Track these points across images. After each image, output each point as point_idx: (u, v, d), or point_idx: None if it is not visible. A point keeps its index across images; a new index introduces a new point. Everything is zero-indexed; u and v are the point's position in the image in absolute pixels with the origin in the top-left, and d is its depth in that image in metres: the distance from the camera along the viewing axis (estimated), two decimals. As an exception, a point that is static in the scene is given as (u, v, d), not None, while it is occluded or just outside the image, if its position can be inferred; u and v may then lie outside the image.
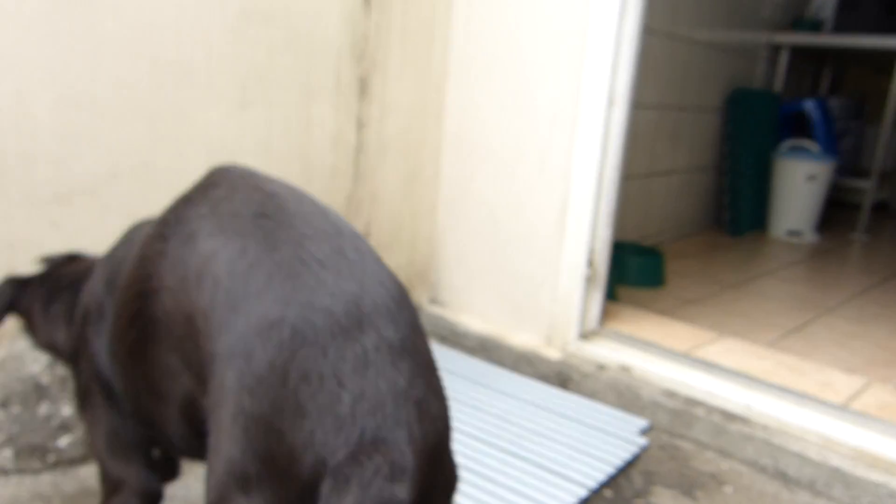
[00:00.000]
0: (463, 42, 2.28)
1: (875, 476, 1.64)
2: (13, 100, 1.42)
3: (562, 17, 2.06)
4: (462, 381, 2.08)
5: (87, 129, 1.53)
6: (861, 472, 1.65)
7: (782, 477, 1.75)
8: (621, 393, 2.01)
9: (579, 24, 2.02)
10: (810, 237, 4.25)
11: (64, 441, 1.52)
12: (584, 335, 2.19)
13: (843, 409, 1.86)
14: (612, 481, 1.68)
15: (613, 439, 1.83)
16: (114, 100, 1.56)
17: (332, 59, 1.97)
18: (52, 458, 1.51)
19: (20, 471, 1.49)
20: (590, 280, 2.14)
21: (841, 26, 4.59)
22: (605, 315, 2.28)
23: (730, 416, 1.86)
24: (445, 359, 2.22)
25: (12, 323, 1.50)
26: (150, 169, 1.64)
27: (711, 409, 1.89)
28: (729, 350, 2.22)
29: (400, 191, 2.27)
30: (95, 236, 1.58)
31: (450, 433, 0.79)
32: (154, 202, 1.65)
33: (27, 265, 1.49)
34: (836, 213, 4.87)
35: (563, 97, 2.07)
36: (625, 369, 2.05)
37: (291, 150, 1.93)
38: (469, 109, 2.29)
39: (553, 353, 2.16)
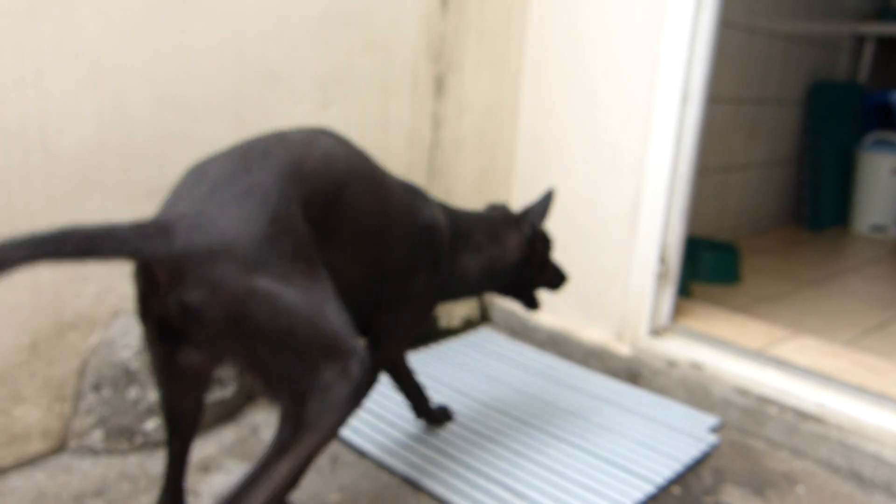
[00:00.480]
0: (538, 41, 2.31)
1: (954, 480, 1.61)
2: (113, 101, 1.52)
3: (636, 13, 2.06)
4: (532, 375, 2.11)
5: (179, 129, 1.62)
6: (939, 475, 1.63)
7: (857, 478, 1.74)
8: (692, 390, 2.01)
9: (654, 20, 2.03)
10: (895, 233, 4.12)
11: (150, 424, 1.61)
12: (656, 331, 2.20)
13: (921, 411, 1.83)
14: (680, 478, 1.70)
15: (683, 436, 1.84)
16: (204, 101, 1.65)
17: (410, 59, 2.03)
18: (139, 440, 1.61)
19: (109, 451, 1.60)
20: (661, 276, 2.14)
21: (931, 15, 4.42)
22: (678, 311, 2.28)
23: (803, 416, 1.85)
24: (516, 353, 2.26)
25: (106, 309, 1.61)
26: (236, 166, 1.73)
27: (784, 408, 1.87)
28: (803, 348, 2.19)
29: (474, 186, 2.32)
30: (186, 230, 1.68)
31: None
32: (240, 198, 1.74)
33: (125, 257, 1.59)
34: (922, 208, 4.69)
35: (636, 94, 2.08)
36: (696, 366, 2.05)
37: (368, 147, 1.96)
38: (543, 107, 2.32)
39: (623, 349, 2.17)
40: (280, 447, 1.03)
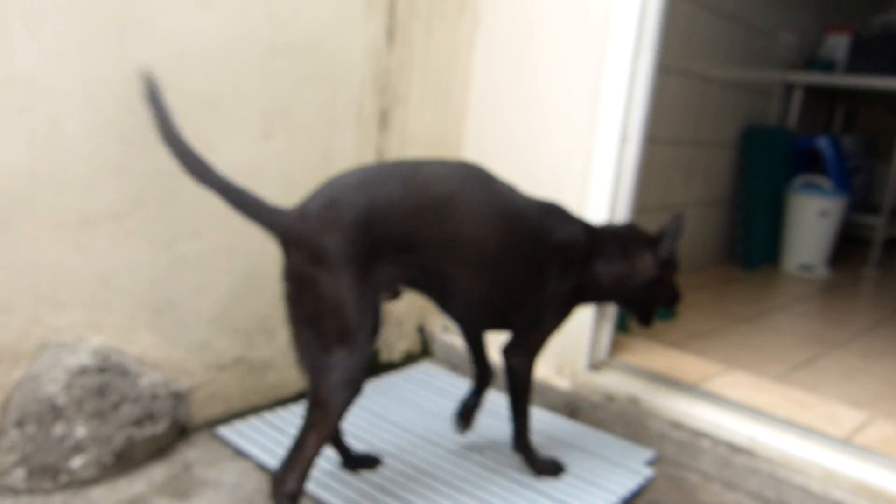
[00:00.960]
0: (482, 78, 2.35)
1: (878, 512, 1.66)
2: (48, 126, 1.49)
3: (578, 55, 2.12)
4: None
5: (116, 157, 1.59)
6: (864, 507, 1.68)
7: (786, 511, 1.77)
8: (629, 424, 2.04)
9: (595, 62, 2.08)
10: (822, 272, 4.26)
11: (77, 462, 1.55)
12: (594, 366, 2.22)
13: (845, 442, 1.88)
14: (617, 511, 1.71)
15: (620, 470, 1.86)
16: (143, 129, 1.62)
17: (355, 92, 2.04)
18: (64, 478, 1.54)
19: (31, 491, 1.52)
20: (600, 312, 2.18)
21: (853, 67, 4.64)
22: (616, 346, 2.32)
23: (735, 449, 1.88)
24: (457, 387, 2.26)
25: (32, 342, 1.56)
26: (174, 196, 1.70)
27: (717, 442, 1.91)
28: (736, 383, 2.24)
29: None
30: (118, 261, 1.64)
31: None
32: (177, 229, 1.72)
33: (49, 286, 1.55)
34: (847, 248, 4.87)
35: (578, 133, 2.13)
36: (633, 400, 2.07)
37: (311, 180, 1.96)
38: (487, 143, 2.35)
39: (563, 384, 2.19)
40: (306, 424, 1.34)
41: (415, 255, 1.41)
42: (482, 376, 1.84)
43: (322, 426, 1.34)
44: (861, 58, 4.59)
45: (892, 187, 4.44)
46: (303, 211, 1.35)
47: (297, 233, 1.33)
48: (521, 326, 1.66)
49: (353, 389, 1.34)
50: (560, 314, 1.69)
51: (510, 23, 2.26)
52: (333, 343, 1.32)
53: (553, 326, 1.69)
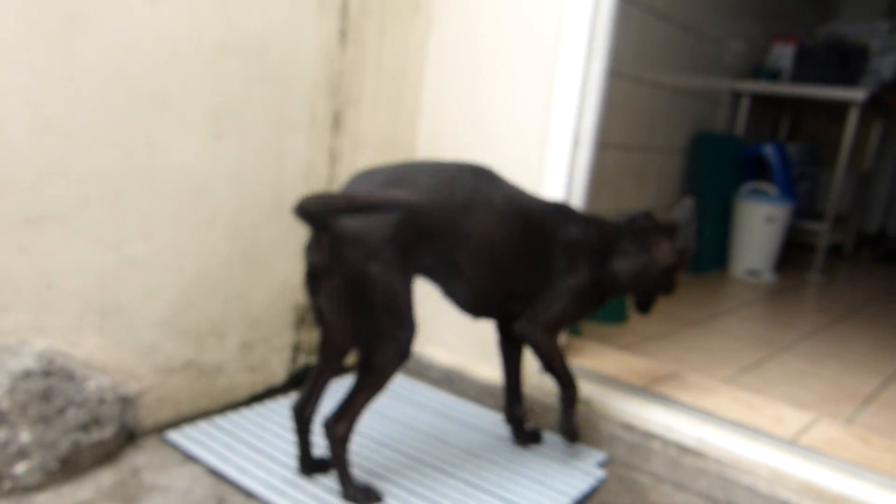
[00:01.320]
0: (436, 80, 2.35)
1: (822, 510, 1.70)
2: (-11, 125, 1.45)
3: (532, 59, 2.13)
4: (426, 412, 2.11)
5: (60, 157, 1.55)
6: (808, 505, 1.71)
7: (734, 510, 1.81)
8: (581, 426, 2.05)
9: (548, 66, 2.10)
10: (768, 277, 4.36)
11: (21, 468, 1.51)
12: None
13: (791, 443, 1.92)
14: (569, 512, 1.72)
15: (572, 471, 1.87)
16: (89, 128, 1.59)
17: (307, 94, 2.02)
18: (7, 485, 1.50)
19: (-26, 497, 1.48)
20: (552, 314, 2.19)
21: (798, 76, 4.77)
22: (568, 349, 2.34)
23: (685, 450, 1.91)
24: (410, 390, 2.25)
25: (-21, 345, 1.51)
26: (120, 197, 1.67)
27: (668, 443, 1.94)
28: (686, 385, 2.28)
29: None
30: (63, 261, 1.60)
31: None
32: (125, 229, 1.68)
33: (-4, 288, 1.50)
34: (792, 254, 4.99)
35: (532, 137, 2.14)
36: (585, 403, 2.09)
37: (263, 182, 1.96)
38: (441, 145, 2.35)
39: (515, 386, 2.20)
40: (358, 385, 1.55)
41: (434, 243, 1.54)
42: (514, 396, 1.97)
43: (372, 388, 1.55)
44: (806, 67, 4.72)
45: (834, 195, 4.56)
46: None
47: (350, 231, 1.43)
48: (527, 307, 1.76)
49: (403, 360, 1.54)
50: (577, 303, 1.78)
51: (463, 25, 2.27)
52: (385, 325, 1.49)
53: (570, 311, 1.78)
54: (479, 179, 1.61)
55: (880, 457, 1.92)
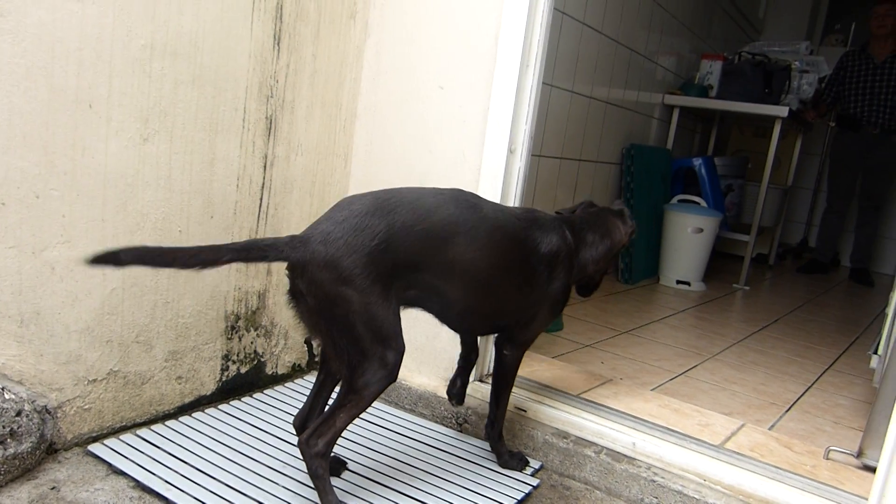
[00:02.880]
0: (372, 86, 2.33)
1: (749, 513, 1.73)
2: None
3: (468, 69, 2.14)
4: (360, 421, 2.08)
5: (-23, 156, 1.48)
6: (736, 509, 1.75)
7: (665, 515, 1.83)
8: (516, 434, 2.05)
9: (485, 76, 2.11)
10: (697, 286, 4.46)
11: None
12: (482, 378, 2.23)
13: (719, 448, 1.96)
14: (504, 520, 1.72)
15: (506, 479, 1.87)
16: (6, 126, 1.52)
17: (240, 97, 1.98)
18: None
19: None
20: (487, 323, 2.19)
21: (725, 92, 4.91)
22: (502, 357, 2.33)
23: (617, 456, 1.93)
24: (343, 399, 2.22)
25: None
26: (41, 199, 1.60)
27: (600, 450, 1.95)
28: (618, 393, 2.30)
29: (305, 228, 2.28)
30: (-19, 266, 1.52)
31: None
32: (44, 232, 1.62)
33: None
34: (720, 264, 5.13)
35: (467, 143, 2.14)
36: (520, 411, 2.09)
37: (193, 185, 1.91)
38: (377, 152, 2.34)
39: (450, 395, 2.19)
40: (339, 403, 1.52)
41: (418, 275, 1.56)
42: (470, 356, 1.98)
43: (355, 407, 1.53)
44: (732, 83, 4.86)
45: (759, 207, 4.70)
46: (325, 235, 1.45)
47: (322, 256, 1.44)
48: (514, 326, 1.81)
49: (388, 381, 1.53)
50: (554, 309, 1.85)
51: (400, 33, 2.26)
52: (369, 346, 1.49)
53: (546, 323, 1.86)
54: (462, 209, 1.61)
55: (802, 460, 1.98)
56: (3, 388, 1.57)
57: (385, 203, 1.52)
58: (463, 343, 1.96)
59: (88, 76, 1.63)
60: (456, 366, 1.98)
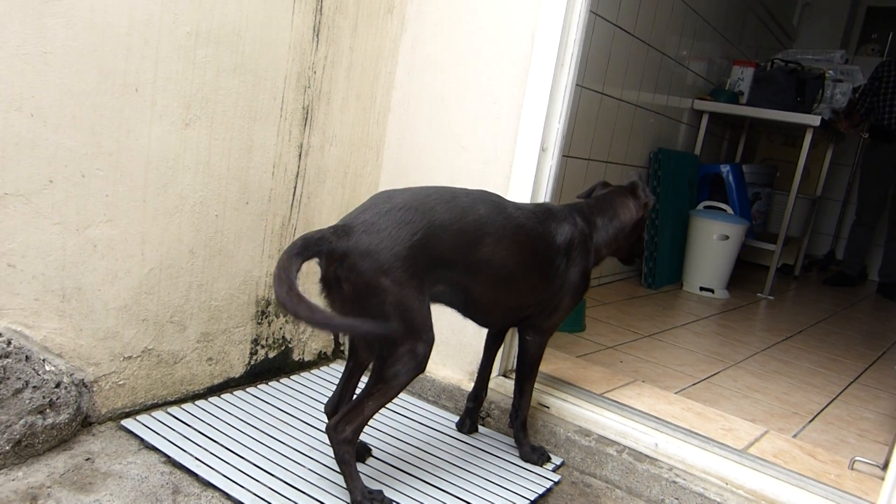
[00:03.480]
0: (406, 81, 2.36)
1: (769, 517, 1.74)
2: (-45, 98, 1.41)
3: (503, 66, 2.16)
4: (385, 411, 2.11)
5: (27, 134, 1.52)
6: (757, 512, 1.76)
7: (685, 515, 1.84)
8: (538, 430, 2.07)
9: (519, 74, 2.13)
10: (720, 294, 4.45)
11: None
12: (505, 373, 2.26)
13: (742, 453, 1.96)
14: (525, 513, 1.74)
15: (528, 474, 1.89)
16: (58, 108, 1.56)
17: (279, 87, 2.02)
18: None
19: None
20: (514, 318, 2.21)
21: (755, 99, 4.89)
22: (526, 354, 2.35)
23: (639, 456, 1.94)
24: (368, 388, 2.25)
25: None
26: (87, 178, 1.64)
27: (622, 449, 1.97)
28: (641, 394, 2.31)
29: (336, 217, 2.31)
30: (25, 241, 1.57)
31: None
32: (89, 212, 1.66)
33: (-47, 265, 1.47)
34: (744, 272, 5.11)
35: (499, 140, 2.17)
36: (543, 407, 2.11)
37: (231, 171, 1.95)
38: (408, 145, 2.36)
39: (474, 388, 2.21)
40: (368, 391, 1.55)
41: (449, 272, 1.60)
42: (480, 395, 2.07)
43: (383, 396, 1.56)
44: (764, 90, 4.84)
45: (787, 216, 4.68)
46: (368, 226, 1.49)
47: (364, 245, 1.47)
48: (537, 315, 1.87)
49: (417, 372, 1.56)
50: (575, 295, 1.88)
51: (436, 29, 2.28)
52: (401, 337, 1.51)
53: (568, 309, 1.90)
54: (490, 209, 1.66)
55: (826, 469, 1.98)
56: (44, 360, 1.61)
57: (425, 200, 1.56)
58: (478, 377, 2.06)
59: (136, 61, 1.67)
60: (475, 378, 2.07)
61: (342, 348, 2.49)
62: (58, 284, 1.64)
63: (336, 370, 2.37)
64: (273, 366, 2.25)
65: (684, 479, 1.86)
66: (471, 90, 2.22)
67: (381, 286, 1.48)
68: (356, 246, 1.47)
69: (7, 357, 1.53)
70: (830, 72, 5.10)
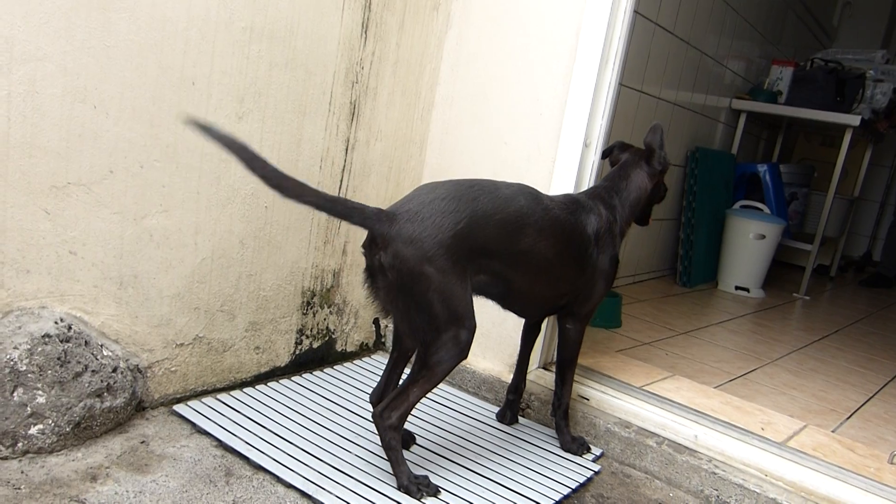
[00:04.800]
0: (451, 77, 2.39)
1: (810, 510, 1.75)
2: (25, 88, 1.47)
3: (547, 62, 2.18)
4: (426, 401, 2.14)
5: (90, 126, 1.58)
6: (797, 505, 1.77)
7: (725, 508, 1.86)
8: (578, 421, 2.10)
9: (565, 69, 2.15)
10: (756, 293, 4.43)
11: (35, 429, 1.53)
12: (545, 366, 2.28)
13: (781, 446, 1.97)
14: (566, 501, 1.76)
15: (569, 463, 1.92)
16: (119, 100, 1.62)
17: (328, 82, 2.06)
18: (21, 445, 1.53)
19: (-13, 455, 1.50)
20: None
21: (794, 98, 4.86)
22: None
23: (679, 448, 1.96)
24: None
25: None
26: (145, 169, 1.70)
27: (662, 440, 1.99)
28: (680, 388, 2.33)
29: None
30: (86, 229, 1.63)
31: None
32: (147, 202, 1.71)
33: (16, 250, 1.53)
34: (780, 272, 5.08)
35: (542, 136, 2.19)
36: (582, 399, 2.14)
37: (280, 164, 1.99)
38: (451, 141, 2.40)
39: (514, 380, 2.24)
40: (413, 378, 1.60)
41: (490, 262, 1.64)
42: (520, 386, 2.11)
43: (427, 382, 1.60)
44: (803, 90, 4.81)
45: (824, 217, 4.64)
46: (413, 214, 1.53)
47: (409, 233, 1.51)
48: (574, 303, 1.91)
49: (460, 358, 1.60)
50: (607, 280, 1.92)
51: (481, 26, 2.32)
52: (444, 323, 1.55)
53: (602, 294, 1.94)
54: (529, 201, 1.70)
55: (865, 462, 1.98)
56: (101, 345, 1.67)
57: (469, 191, 1.60)
58: (517, 369, 2.10)
59: (193, 55, 1.73)
60: (512, 383, 2.12)
61: (383, 340, 2.53)
62: (115, 272, 1.70)
63: (377, 361, 2.41)
64: (317, 356, 2.29)
65: (724, 471, 1.88)
66: (514, 87, 2.25)
67: (424, 273, 1.51)
68: (400, 233, 1.51)
69: (68, 342, 1.59)
70: (871, 71, 5.04)
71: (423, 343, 1.59)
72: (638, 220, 2.08)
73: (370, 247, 1.57)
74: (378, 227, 1.52)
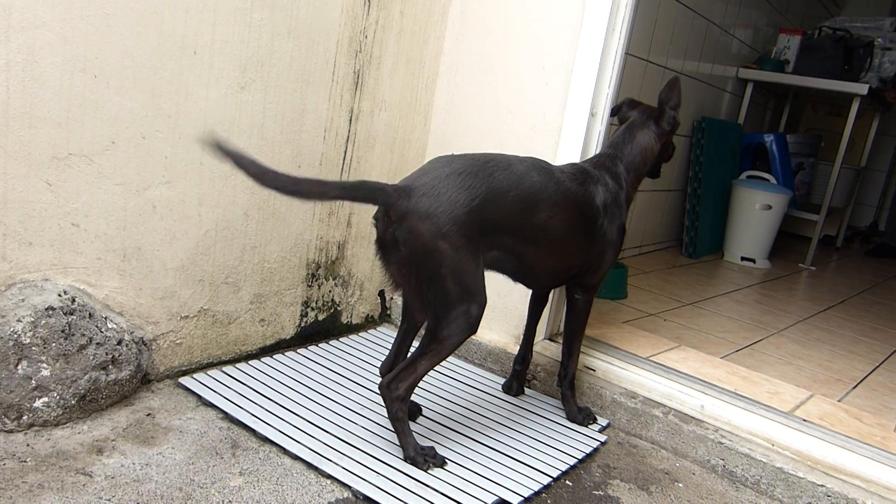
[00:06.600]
0: (454, 47, 2.36)
1: (814, 477, 1.75)
2: (24, 57, 1.45)
3: (553, 30, 2.15)
4: (433, 372, 2.13)
5: (90, 96, 1.56)
6: (802, 473, 1.77)
7: (730, 476, 1.86)
8: (584, 392, 2.09)
9: (570, 38, 2.12)
10: (762, 264, 4.41)
11: (40, 402, 1.53)
12: (551, 337, 2.28)
13: (788, 415, 1.97)
14: (572, 471, 1.76)
15: (575, 434, 1.92)
16: (119, 70, 1.60)
17: (331, 51, 2.03)
18: (27, 418, 1.52)
19: (-7, 428, 1.50)
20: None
21: (801, 67, 4.80)
22: (571, 319, 2.37)
23: (685, 418, 1.96)
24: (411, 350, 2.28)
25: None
26: (147, 140, 1.68)
27: (668, 411, 1.98)
28: (686, 358, 2.32)
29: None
30: (88, 201, 1.61)
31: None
32: (149, 174, 1.70)
33: (18, 222, 1.52)
34: (786, 243, 5.05)
35: (548, 105, 2.17)
36: (588, 370, 2.13)
37: (284, 135, 1.97)
38: (455, 111, 2.37)
39: (520, 351, 2.23)
40: (422, 350, 1.60)
41: (504, 237, 1.63)
42: (526, 356, 2.11)
43: (436, 355, 1.60)
44: (811, 59, 4.75)
45: (831, 187, 4.61)
46: (428, 189, 1.51)
47: (424, 208, 1.49)
48: (583, 273, 1.90)
49: (470, 333, 1.60)
50: (615, 250, 1.91)
51: (487, -6, 2.28)
52: (456, 298, 1.55)
53: (610, 263, 1.92)
54: (542, 177, 1.68)
55: (872, 431, 1.98)
56: (105, 318, 1.66)
57: (484, 166, 1.59)
58: (524, 340, 2.09)
59: (194, 23, 1.70)
60: (514, 372, 2.12)
61: (389, 312, 2.52)
62: (119, 244, 1.69)
63: (383, 333, 2.41)
64: (322, 328, 2.29)
65: (730, 441, 1.87)
66: (520, 55, 2.22)
67: (438, 249, 1.50)
68: (416, 208, 1.49)
69: (72, 314, 1.58)
70: (879, 39, 4.98)
71: (434, 317, 1.58)
72: (648, 174, 2.05)
73: (383, 219, 1.55)
74: (398, 203, 1.50)
